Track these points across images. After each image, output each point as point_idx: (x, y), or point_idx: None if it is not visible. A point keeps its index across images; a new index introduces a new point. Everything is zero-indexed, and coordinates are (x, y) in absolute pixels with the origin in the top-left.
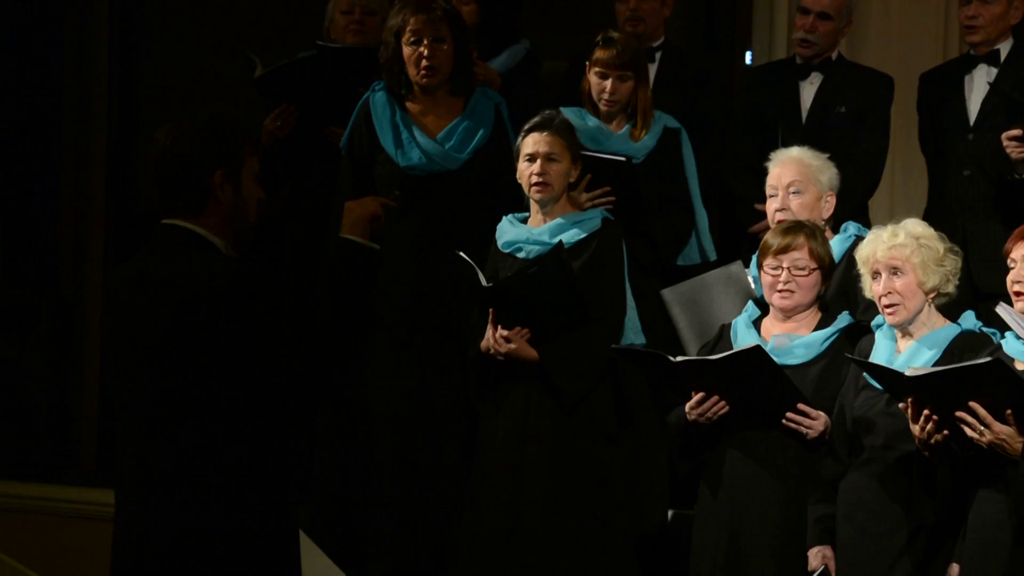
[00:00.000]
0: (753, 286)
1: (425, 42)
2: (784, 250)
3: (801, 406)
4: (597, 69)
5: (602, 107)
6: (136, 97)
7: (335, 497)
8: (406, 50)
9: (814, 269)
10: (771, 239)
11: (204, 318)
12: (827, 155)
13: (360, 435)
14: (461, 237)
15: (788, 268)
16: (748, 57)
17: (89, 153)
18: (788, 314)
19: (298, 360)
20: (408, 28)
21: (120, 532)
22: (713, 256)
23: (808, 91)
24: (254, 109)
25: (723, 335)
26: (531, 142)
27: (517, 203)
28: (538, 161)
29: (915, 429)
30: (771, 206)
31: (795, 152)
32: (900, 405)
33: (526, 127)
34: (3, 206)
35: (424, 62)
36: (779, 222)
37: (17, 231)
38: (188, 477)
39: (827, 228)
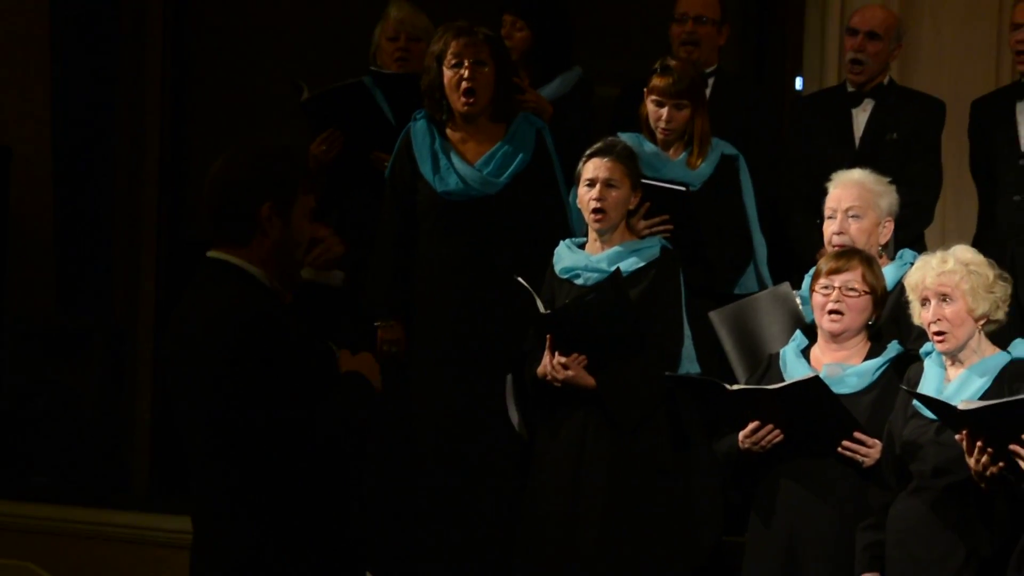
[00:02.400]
0: (802, 308)
1: (466, 64)
2: (837, 271)
3: (858, 434)
4: (654, 97)
5: (659, 135)
6: (188, 125)
7: (383, 522)
8: (447, 74)
9: (865, 293)
10: (825, 262)
11: (229, 357)
12: (888, 179)
13: (405, 461)
14: (502, 261)
15: (839, 288)
16: (799, 83)
17: (142, 181)
18: (837, 339)
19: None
20: (449, 52)
21: (196, 560)
22: (770, 284)
23: (860, 118)
24: (302, 135)
25: (771, 364)
26: (592, 167)
27: (563, 227)
28: (597, 186)
29: (971, 461)
30: (829, 228)
31: (856, 175)
32: (956, 437)
33: (588, 152)
34: (57, 233)
35: (464, 84)
36: (835, 247)
37: (71, 258)
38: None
39: (884, 254)
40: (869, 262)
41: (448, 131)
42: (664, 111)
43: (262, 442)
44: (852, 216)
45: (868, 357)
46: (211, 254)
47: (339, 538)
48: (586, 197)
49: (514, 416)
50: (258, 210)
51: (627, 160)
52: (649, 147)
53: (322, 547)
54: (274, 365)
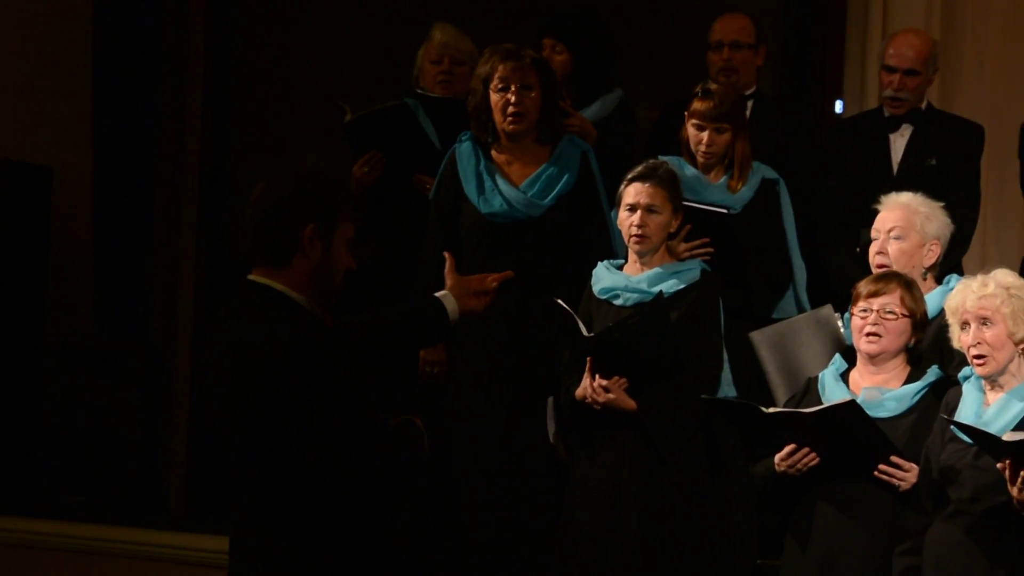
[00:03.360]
0: (843, 330)
1: (513, 88)
2: (875, 294)
3: (894, 458)
4: (695, 121)
5: (700, 159)
6: (229, 147)
7: (422, 543)
8: (494, 97)
9: (904, 316)
10: (864, 285)
11: (262, 381)
12: (941, 204)
13: (443, 482)
14: (546, 284)
15: (877, 311)
16: (839, 106)
17: (181, 202)
18: (875, 361)
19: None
20: (496, 75)
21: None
22: (808, 308)
23: (899, 143)
24: (344, 157)
25: (810, 388)
26: (633, 192)
27: (606, 250)
28: (638, 212)
29: (1013, 491)
30: (872, 249)
31: (905, 197)
32: (998, 465)
33: (629, 175)
34: (97, 254)
35: (511, 108)
36: (878, 267)
37: (110, 279)
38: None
39: (929, 276)
40: (908, 286)
41: (493, 153)
42: (705, 135)
43: (299, 466)
44: (894, 237)
45: (907, 381)
46: (252, 278)
47: (376, 559)
48: (627, 222)
49: (554, 438)
50: (301, 231)
51: (669, 184)
52: (690, 170)
53: (358, 568)
54: (315, 389)
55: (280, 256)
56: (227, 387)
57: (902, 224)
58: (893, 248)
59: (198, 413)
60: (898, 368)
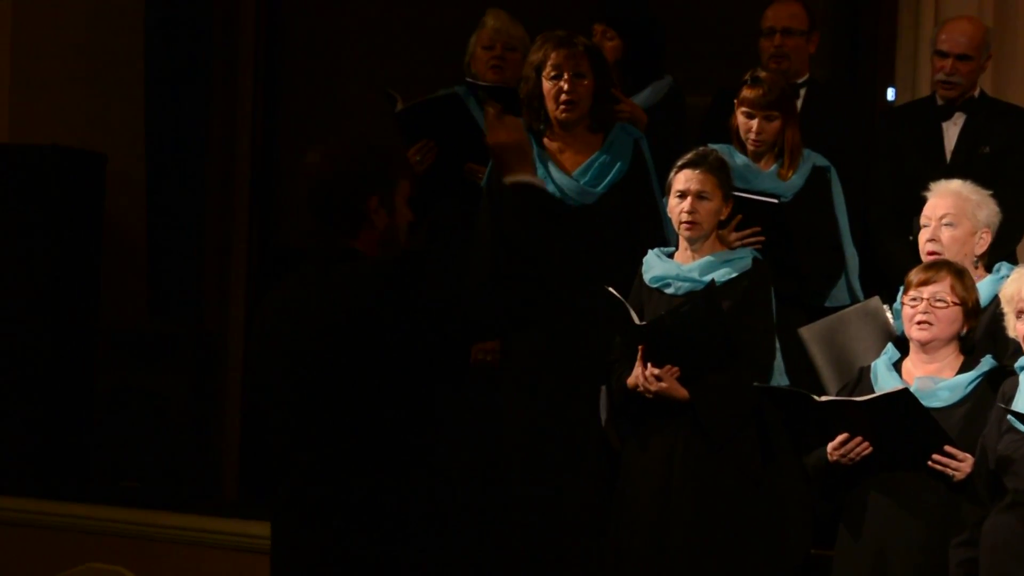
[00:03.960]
0: (892, 322)
1: (565, 76)
2: (925, 283)
3: (948, 448)
4: (744, 109)
5: (749, 146)
6: (280, 132)
7: (469, 533)
8: (546, 85)
9: (955, 304)
10: (914, 273)
11: (362, 317)
12: (990, 192)
13: (494, 468)
14: (599, 271)
15: (927, 300)
16: (891, 93)
17: (233, 187)
18: (926, 349)
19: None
20: (549, 63)
21: (277, 564)
22: (861, 297)
23: (952, 131)
24: (394, 143)
25: (862, 377)
26: (683, 179)
27: (658, 237)
28: (688, 199)
29: None
30: (922, 236)
31: (955, 185)
32: None
33: (679, 163)
34: (150, 240)
35: (564, 96)
36: (928, 255)
37: (163, 264)
38: (346, 504)
39: (980, 265)
40: (959, 274)
41: (546, 140)
42: (754, 123)
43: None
44: (946, 224)
45: (961, 371)
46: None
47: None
48: (677, 209)
49: (606, 426)
50: (366, 204)
51: (719, 171)
52: (740, 159)
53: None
54: (409, 319)
55: (347, 230)
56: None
57: (954, 211)
58: (945, 235)
59: (250, 395)
60: (951, 357)
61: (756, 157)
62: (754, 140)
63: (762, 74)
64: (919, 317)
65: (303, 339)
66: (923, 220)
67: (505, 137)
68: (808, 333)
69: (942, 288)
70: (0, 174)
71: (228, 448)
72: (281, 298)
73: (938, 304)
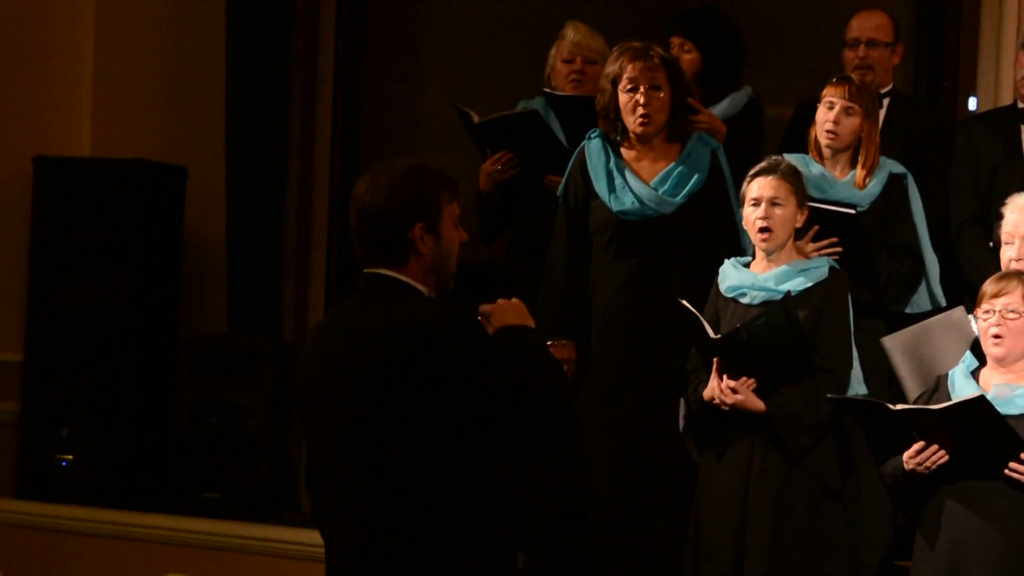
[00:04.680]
0: (976, 333)
1: (642, 89)
2: (997, 295)
3: None
4: (827, 100)
5: (824, 140)
6: (359, 146)
7: (553, 544)
8: (622, 97)
9: None
10: (987, 285)
11: (418, 360)
12: None
13: (576, 480)
14: (676, 282)
15: (1000, 312)
16: (972, 103)
17: (312, 201)
18: (1003, 364)
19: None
20: (625, 75)
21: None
22: (943, 302)
23: None
24: (473, 158)
25: (940, 386)
26: (756, 187)
27: (735, 248)
28: (763, 205)
29: None
30: (1005, 254)
31: None
32: None
33: (752, 172)
34: (230, 253)
35: (640, 109)
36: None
37: (242, 277)
38: (399, 533)
39: None
40: None
41: (623, 150)
42: (833, 113)
43: (431, 455)
44: None
45: None
46: (372, 269)
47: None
48: (752, 217)
49: (684, 437)
50: (410, 233)
51: (792, 178)
52: (816, 168)
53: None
54: (487, 351)
55: (395, 259)
56: (370, 373)
57: None
58: None
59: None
60: None
61: (831, 154)
62: (829, 132)
63: (851, 74)
64: (993, 331)
65: (339, 382)
66: (1005, 237)
67: (502, 303)
68: (891, 343)
69: (1014, 299)
70: (83, 188)
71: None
72: (335, 328)
73: (1010, 316)
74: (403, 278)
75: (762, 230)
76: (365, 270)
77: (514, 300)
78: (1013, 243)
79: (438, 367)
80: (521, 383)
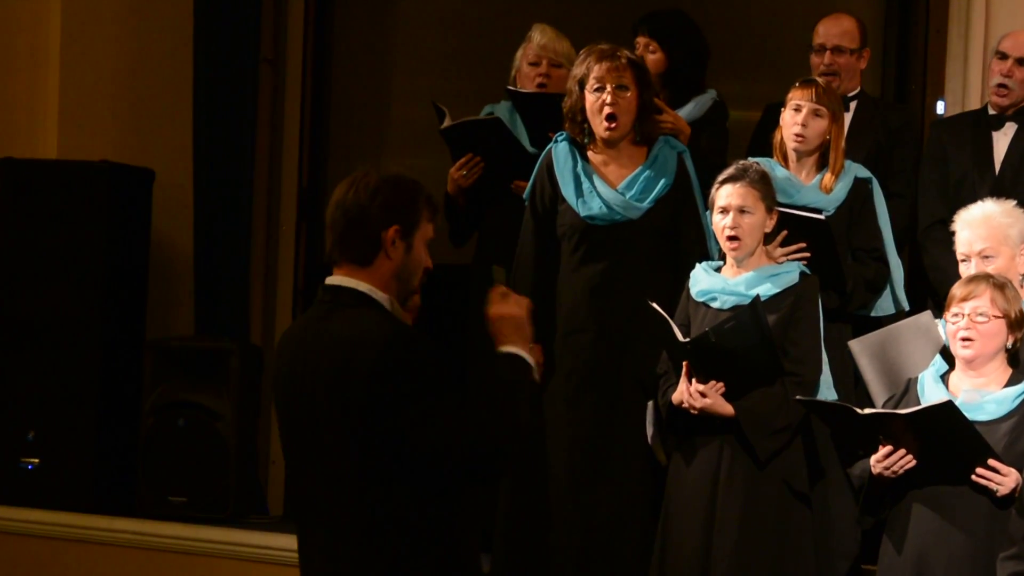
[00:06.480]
0: (944, 337)
1: (608, 89)
2: (965, 298)
3: (992, 462)
4: (793, 103)
5: (791, 144)
6: (327, 149)
7: (517, 548)
8: (589, 98)
9: (996, 318)
10: (956, 289)
11: (363, 376)
12: (1014, 202)
13: (539, 484)
14: (643, 286)
15: (968, 315)
16: (941, 107)
17: (280, 204)
18: (972, 366)
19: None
20: (592, 76)
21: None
22: (907, 306)
23: (1002, 142)
24: (443, 159)
25: (909, 389)
26: (724, 194)
27: (703, 253)
28: (731, 214)
29: None
30: (965, 271)
31: (979, 212)
32: None
33: (720, 178)
34: (197, 255)
35: (607, 109)
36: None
37: (210, 280)
38: (364, 535)
39: (1023, 283)
40: (1000, 286)
41: (590, 154)
42: (800, 116)
43: (405, 460)
44: (985, 257)
45: (1008, 384)
46: (334, 281)
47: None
48: (720, 225)
49: (652, 441)
50: (384, 232)
51: (760, 184)
52: (781, 172)
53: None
54: (419, 382)
55: (363, 256)
56: (327, 387)
57: (991, 243)
58: (991, 271)
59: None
60: (998, 371)
61: (797, 159)
62: (796, 135)
63: (816, 78)
64: (962, 334)
65: (298, 390)
66: (960, 256)
67: (507, 311)
68: (858, 346)
69: (982, 303)
70: (49, 190)
71: (274, 463)
72: (295, 339)
73: (979, 319)
74: (363, 287)
75: (731, 238)
76: (327, 280)
77: (523, 303)
78: (969, 261)
79: (371, 384)
80: (454, 420)
